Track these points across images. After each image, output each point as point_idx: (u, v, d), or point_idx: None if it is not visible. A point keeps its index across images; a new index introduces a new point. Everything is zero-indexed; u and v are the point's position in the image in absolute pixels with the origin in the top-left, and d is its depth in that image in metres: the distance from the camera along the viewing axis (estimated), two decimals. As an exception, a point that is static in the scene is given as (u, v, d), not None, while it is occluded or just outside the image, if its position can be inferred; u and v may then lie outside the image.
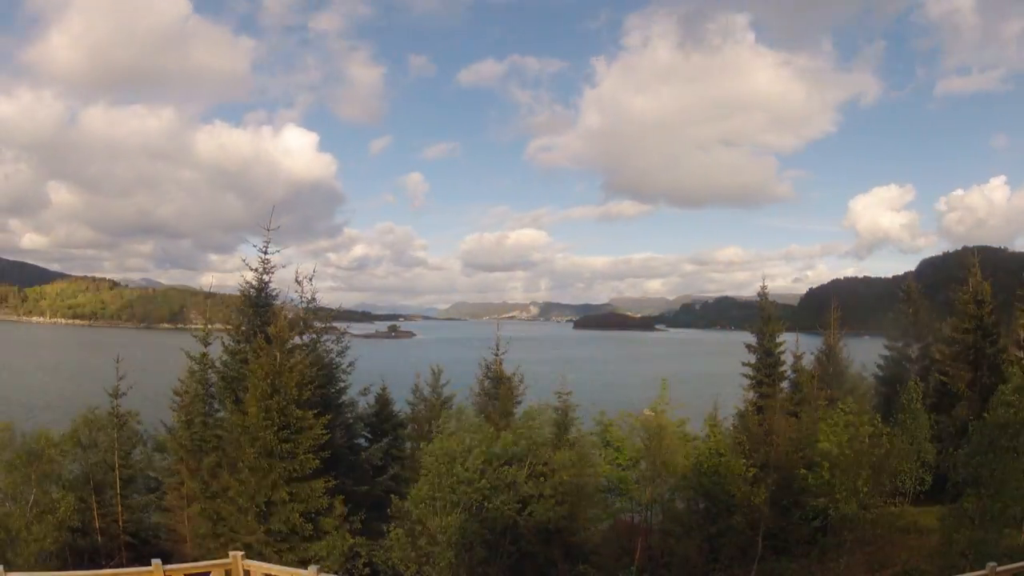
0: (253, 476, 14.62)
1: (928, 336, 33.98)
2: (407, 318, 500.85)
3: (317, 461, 14.71)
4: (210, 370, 19.73)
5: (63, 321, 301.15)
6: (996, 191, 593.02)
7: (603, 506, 23.31)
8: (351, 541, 15.08)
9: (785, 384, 28.28)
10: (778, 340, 28.39)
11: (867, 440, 18.71)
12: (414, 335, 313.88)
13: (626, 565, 19.94)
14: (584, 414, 26.63)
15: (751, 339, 29.08)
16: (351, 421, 19.66)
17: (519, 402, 24.44)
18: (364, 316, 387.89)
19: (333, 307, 21.05)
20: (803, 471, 19.91)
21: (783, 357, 28.39)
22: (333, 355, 18.78)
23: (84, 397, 23.41)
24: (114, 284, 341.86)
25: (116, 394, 20.69)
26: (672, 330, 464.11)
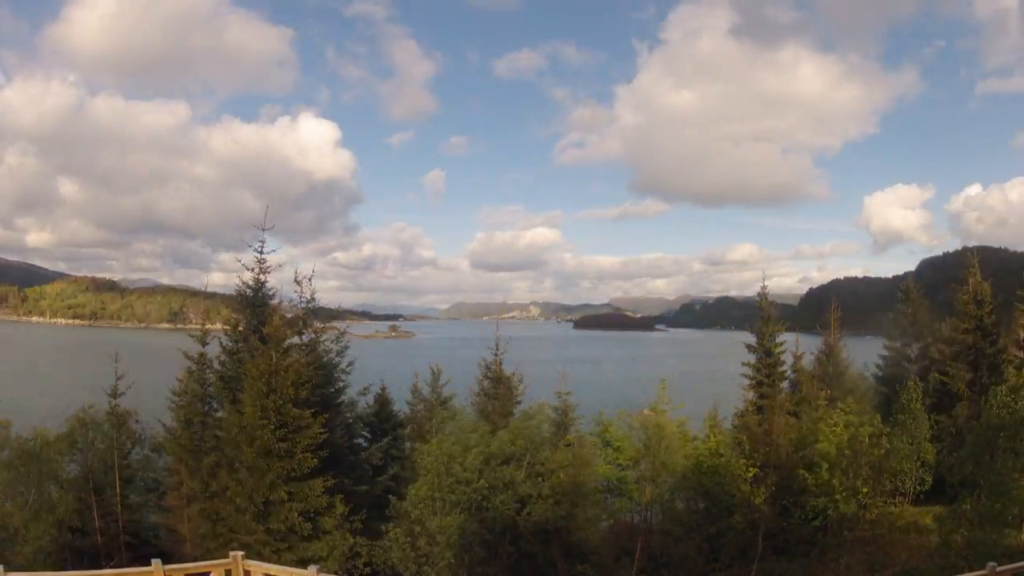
0: (251, 476, 14.61)
1: (928, 336, 33.95)
2: (407, 318, 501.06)
3: (315, 460, 14.69)
4: (208, 370, 19.73)
5: (63, 321, 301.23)
6: (1014, 190, 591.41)
7: (603, 506, 23.31)
8: (351, 541, 15.08)
9: (785, 384, 28.26)
10: (778, 340, 28.38)
11: (867, 440, 18.70)
12: (414, 335, 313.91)
13: (626, 565, 19.95)
14: (584, 414, 26.63)
15: (751, 339, 29.07)
16: (350, 421, 19.64)
17: (519, 402, 24.42)
18: (364, 316, 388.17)
19: (333, 307, 21.05)
20: (803, 471, 19.90)
21: (783, 357, 28.38)
22: (332, 355, 18.77)
23: (83, 397, 23.39)
24: (114, 284, 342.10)
25: (115, 394, 20.70)
26: (672, 330, 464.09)
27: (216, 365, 19.37)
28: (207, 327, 20.49)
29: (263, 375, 14.82)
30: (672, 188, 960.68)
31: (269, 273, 18.73)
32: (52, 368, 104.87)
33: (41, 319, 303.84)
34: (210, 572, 10.91)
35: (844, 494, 18.13)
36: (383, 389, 23.31)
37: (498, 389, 24.48)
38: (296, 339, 17.83)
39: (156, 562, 10.09)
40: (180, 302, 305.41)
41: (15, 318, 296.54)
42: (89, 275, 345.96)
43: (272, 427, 14.50)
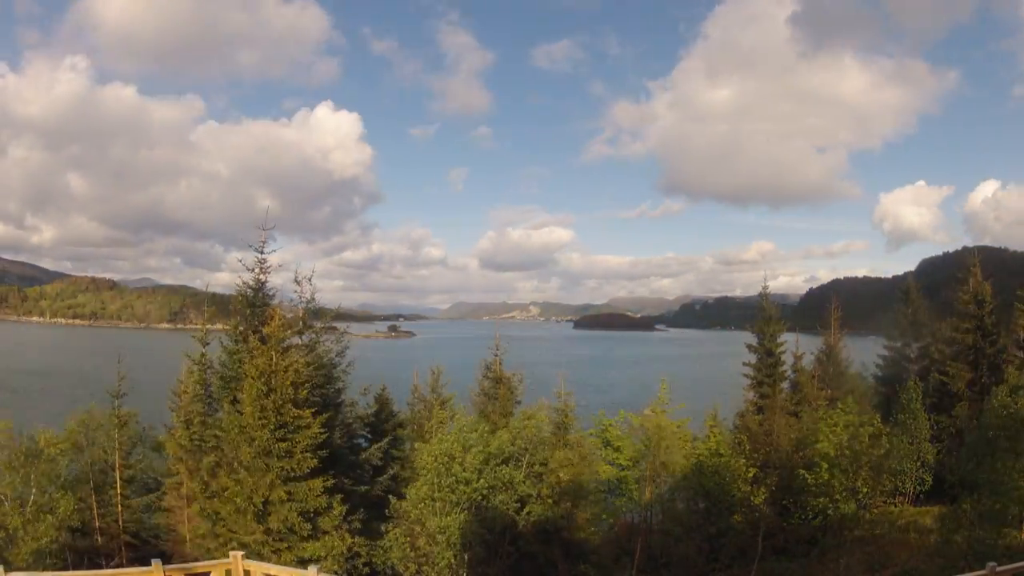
0: (251, 476, 14.58)
1: (928, 336, 33.97)
2: (408, 318, 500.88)
3: (315, 460, 14.66)
4: (208, 370, 19.72)
5: (63, 321, 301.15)
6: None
7: (603, 506, 23.32)
8: (350, 541, 15.06)
9: (785, 384, 28.27)
10: (779, 340, 28.39)
11: (867, 440, 18.70)
12: (414, 335, 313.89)
13: (626, 565, 19.95)
14: (584, 414, 26.63)
15: (751, 339, 29.08)
16: (350, 421, 19.62)
17: (519, 402, 24.43)
18: (364, 316, 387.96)
19: (333, 307, 20.98)
20: (803, 471, 19.91)
21: (783, 357, 28.39)
22: (333, 355, 18.75)
23: (82, 397, 23.40)
24: (113, 284, 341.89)
25: (117, 394, 20.70)
26: (672, 330, 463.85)
27: (216, 365, 19.36)
28: (207, 327, 20.48)
29: (262, 375, 14.80)
30: (698, 187, 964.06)
31: (269, 273, 18.72)
32: (52, 368, 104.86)
33: (41, 319, 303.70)
34: (210, 572, 10.90)
35: (844, 494, 18.13)
36: (383, 389, 23.30)
37: (498, 389, 24.49)
38: (296, 339, 17.81)
39: (156, 562, 10.08)
40: (180, 302, 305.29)
41: (15, 318, 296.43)
42: (89, 275, 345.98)
43: (271, 427, 14.48)
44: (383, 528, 16.04)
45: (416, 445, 18.58)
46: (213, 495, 15.97)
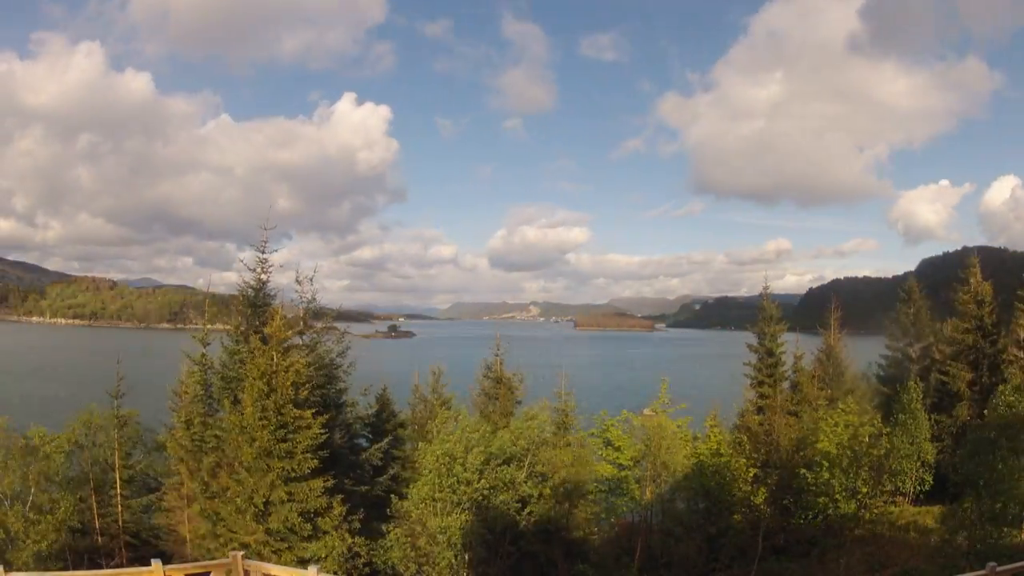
0: (251, 476, 14.58)
1: (928, 336, 33.97)
2: (408, 318, 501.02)
3: (315, 461, 14.66)
4: (209, 370, 19.72)
5: (63, 321, 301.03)
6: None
7: (603, 506, 23.32)
8: (350, 541, 15.06)
9: (785, 384, 28.27)
10: (779, 340, 28.39)
11: (867, 440, 18.71)
12: (413, 335, 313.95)
13: (626, 565, 19.94)
14: (585, 414, 26.62)
15: (751, 339, 29.07)
16: (351, 421, 19.63)
17: (519, 402, 24.43)
18: (365, 316, 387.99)
19: (334, 307, 20.98)
20: (803, 471, 19.91)
21: (784, 357, 28.38)
22: (333, 355, 18.76)
23: (82, 397, 23.40)
24: (114, 284, 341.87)
25: (117, 395, 20.70)
26: (672, 330, 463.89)
27: (217, 366, 19.36)
28: (208, 327, 20.48)
29: (264, 375, 14.80)
30: (725, 185, 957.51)
31: (271, 273, 18.73)
32: (52, 368, 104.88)
33: (41, 319, 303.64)
34: (210, 572, 10.91)
35: (844, 494, 18.14)
36: (384, 389, 23.31)
37: (499, 389, 24.49)
38: (297, 339, 17.82)
39: (156, 562, 10.08)
40: (180, 302, 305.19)
41: (15, 318, 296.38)
42: (91, 275, 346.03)
43: (272, 427, 14.48)
44: (384, 528, 16.05)
45: (420, 445, 18.57)
46: (213, 495, 15.97)
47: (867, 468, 18.49)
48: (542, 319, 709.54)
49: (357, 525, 15.48)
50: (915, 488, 27.01)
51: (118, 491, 20.31)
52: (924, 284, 37.64)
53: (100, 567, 17.41)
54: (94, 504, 19.83)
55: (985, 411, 18.76)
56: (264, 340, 15.64)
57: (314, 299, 18.38)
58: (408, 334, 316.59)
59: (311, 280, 18.26)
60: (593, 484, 22.61)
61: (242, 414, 15.05)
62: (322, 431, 14.94)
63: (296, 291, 18.18)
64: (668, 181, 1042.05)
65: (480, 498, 15.78)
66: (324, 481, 14.82)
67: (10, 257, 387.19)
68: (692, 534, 20.11)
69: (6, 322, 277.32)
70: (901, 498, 27.00)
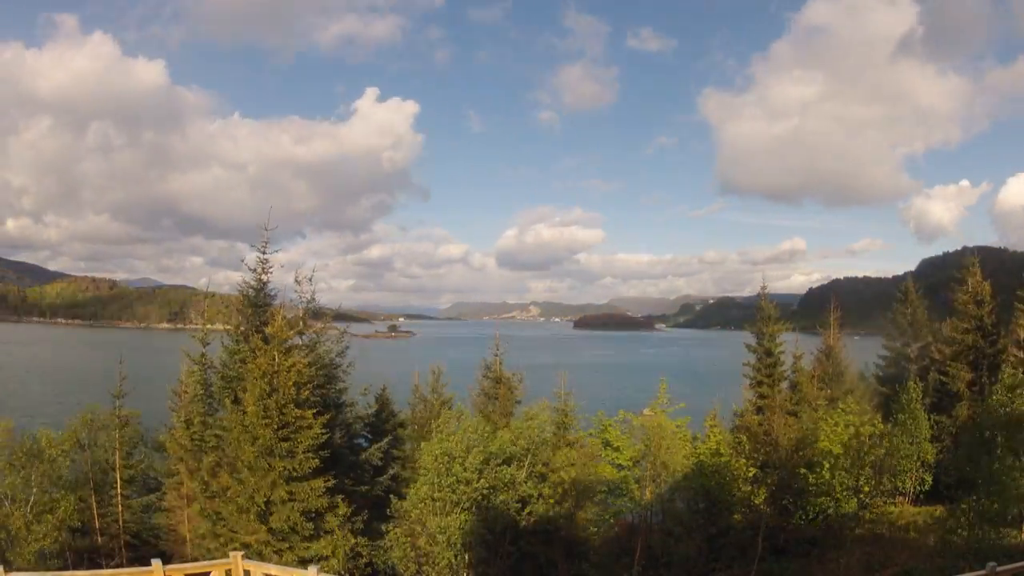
0: (252, 476, 14.60)
1: (927, 336, 34.00)
2: (408, 318, 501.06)
3: (316, 460, 14.69)
4: (209, 370, 19.74)
5: (63, 321, 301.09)
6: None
7: (603, 506, 23.33)
8: (352, 541, 15.08)
9: (785, 384, 28.27)
10: (778, 340, 28.39)
11: (867, 440, 18.73)
12: (413, 335, 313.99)
13: (626, 565, 19.95)
14: (585, 414, 26.63)
15: (750, 339, 29.08)
16: (351, 421, 19.64)
17: (519, 402, 24.43)
18: (365, 316, 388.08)
19: (333, 307, 20.96)
20: (803, 471, 19.92)
21: (783, 357, 28.39)
22: (333, 355, 18.77)
23: (82, 397, 23.44)
24: (114, 284, 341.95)
25: (119, 395, 20.72)
26: (672, 330, 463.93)
27: (217, 365, 19.38)
28: (207, 327, 20.49)
29: (265, 375, 14.82)
30: (749, 184, 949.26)
31: (271, 273, 18.73)
32: (52, 369, 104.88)
33: (41, 319, 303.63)
34: (210, 572, 10.92)
35: (844, 494, 18.15)
36: (383, 389, 23.33)
37: (498, 389, 24.50)
38: (297, 339, 17.83)
39: (156, 562, 10.10)
40: (180, 302, 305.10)
41: (15, 318, 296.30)
42: (90, 275, 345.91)
43: (274, 427, 14.51)
44: (384, 528, 16.06)
45: (421, 445, 18.57)
46: (214, 495, 15.99)
47: (867, 468, 18.51)
48: (542, 319, 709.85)
49: (360, 525, 15.50)
50: (915, 488, 27.03)
51: (118, 491, 20.33)
52: (923, 284, 37.68)
53: (100, 567, 17.42)
54: (94, 504, 19.85)
55: (978, 411, 18.79)
56: (266, 340, 15.65)
57: (313, 299, 18.39)
58: (408, 334, 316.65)
59: (310, 280, 18.28)
60: (594, 484, 22.61)
61: (244, 413, 15.07)
62: (323, 431, 14.96)
63: (296, 291, 18.20)
64: (692, 180, 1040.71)
65: (480, 498, 15.78)
66: (325, 481, 14.84)
67: (12, 257, 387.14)
68: (692, 534, 20.10)
69: (6, 322, 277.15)
70: (901, 498, 27.02)
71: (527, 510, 17.41)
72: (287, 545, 14.58)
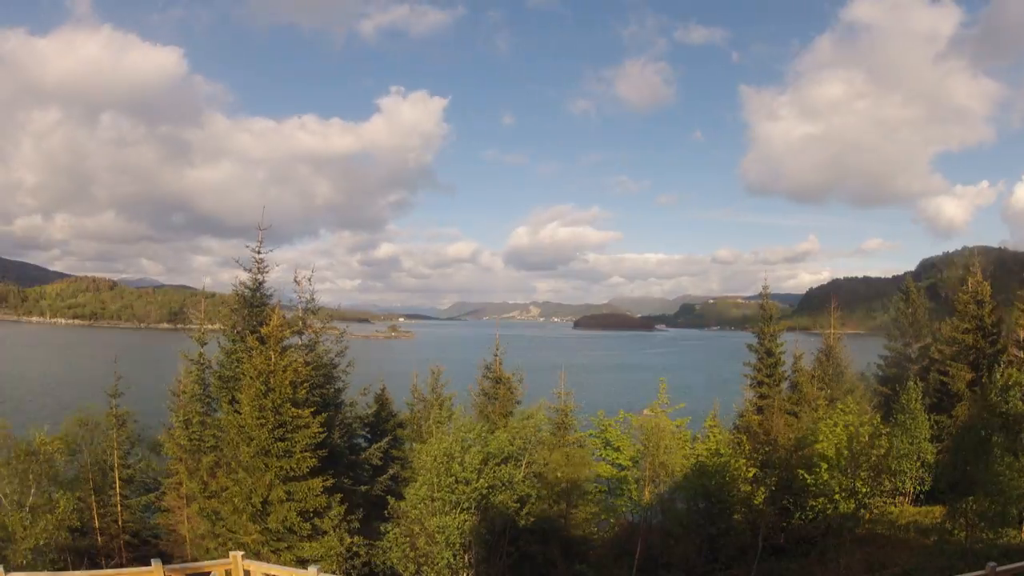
0: (249, 475, 14.57)
1: (927, 336, 33.98)
2: (408, 318, 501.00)
3: (314, 460, 14.65)
4: (207, 370, 19.71)
5: (63, 321, 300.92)
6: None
7: (603, 506, 23.30)
8: (349, 541, 15.05)
9: (785, 384, 28.26)
10: (779, 340, 28.38)
11: (867, 440, 18.68)
12: (414, 335, 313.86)
13: (626, 565, 19.92)
14: (585, 414, 26.63)
15: (749, 339, 29.07)
16: (350, 421, 19.62)
17: (519, 402, 24.42)
18: (365, 316, 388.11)
19: (332, 307, 20.94)
20: (802, 471, 19.88)
21: (783, 357, 28.37)
22: (332, 355, 18.76)
23: (82, 397, 23.41)
24: (113, 284, 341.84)
25: (115, 394, 20.70)
26: (672, 330, 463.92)
27: (215, 365, 19.36)
28: (206, 327, 20.47)
29: (261, 375, 14.79)
30: (775, 184, 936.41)
31: (267, 273, 18.71)
32: (51, 368, 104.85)
33: (41, 319, 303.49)
34: (210, 572, 10.90)
35: (843, 494, 18.10)
36: (383, 389, 23.32)
37: (498, 389, 24.49)
38: (296, 339, 17.81)
39: (156, 562, 10.07)
40: (180, 302, 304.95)
41: (15, 318, 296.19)
42: (90, 275, 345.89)
43: (270, 427, 14.46)
44: (383, 528, 16.03)
45: (415, 446, 18.56)
46: (212, 495, 15.98)
47: (866, 468, 18.46)
48: (542, 319, 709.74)
49: (356, 525, 15.47)
50: (915, 488, 27.00)
51: (117, 491, 20.32)
52: (924, 284, 37.64)
53: (100, 567, 17.41)
54: (94, 504, 19.85)
55: (971, 412, 18.78)
56: (261, 340, 15.62)
57: (312, 299, 18.38)
58: (408, 334, 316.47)
59: (310, 280, 18.27)
60: (592, 484, 22.59)
61: (240, 413, 15.04)
62: (320, 430, 14.92)
63: (295, 291, 18.19)
64: (716, 179, 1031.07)
65: (479, 497, 15.76)
66: (323, 480, 14.80)
67: (18, 257, 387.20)
68: (692, 534, 20.08)
69: (5, 322, 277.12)
70: (901, 498, 26.98)
71: (525, 510, 17.39)
72: (285, 545, 14.55)
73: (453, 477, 15.58)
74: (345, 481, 16.20)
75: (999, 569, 9.60)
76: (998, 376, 19.31)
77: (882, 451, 19.12)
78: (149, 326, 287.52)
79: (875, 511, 19.50)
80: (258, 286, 18.53)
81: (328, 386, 18.22)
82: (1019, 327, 29.92)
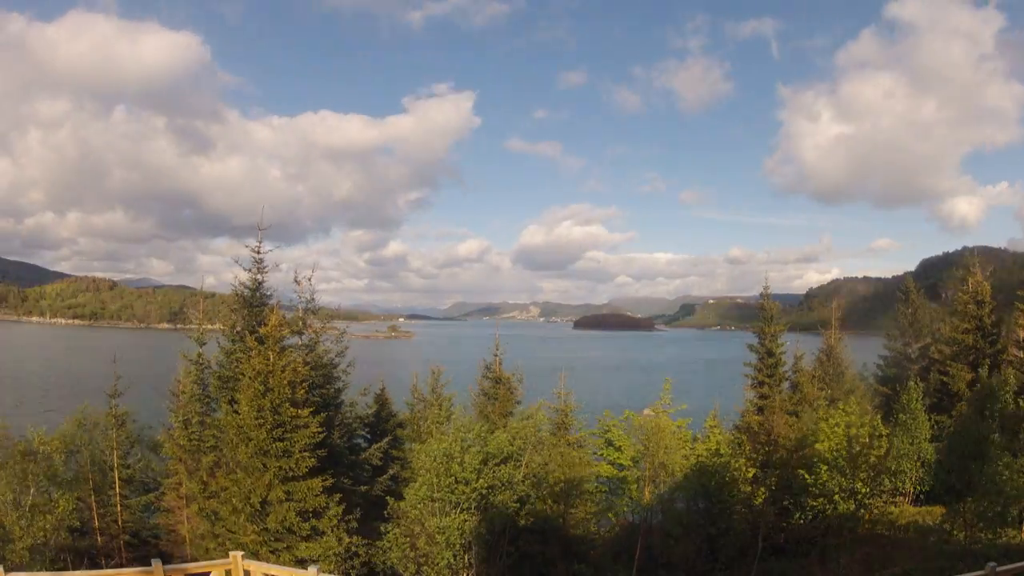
0: (248, 476, 14.56)
1: (928, 336, 33.99)
2: (408, 318, 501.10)
3: (313, 460, 14.64)
4: (206, 370, 19.71)
5: (63, 321, 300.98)
6: None
7: (603, 506, 23.29)
8: (348, 541, 15.04)
9: (786, 384, 28.25)
10: (779, 340, 28.36)
11: (867, 440, 18.68)
12: (414, 335, 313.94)
13: (626, 565, 19.91)
14: (583, 414, 26.62)
15: (749, 338, 29.06)
16: (350, 421, 19.62)
17: (519, 402, 24.42)
18: (365, 316, 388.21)
19: (332, 306, 20.93)
20: (803, 471, 19.88)
21: (784, 357, 28.36)
22: (332, 355, 18.75)
23: (79, 397, 23.40)
24: (113, 284, 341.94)
25: (114, 394, 20.69)
26: (673, 330, 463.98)
27: (214, 365, 19.35)
28: (205, 327, 20.46)
29: (260, 375, 14.78)
30: (797, 184, 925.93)
31: (267, 272, 18.70)
32: (51, 368, 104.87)
33: (41, 319, 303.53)
34: (210, 572, 10.89)
35: (843, 494, 18.10)
36: (382, 389, 23.32)
37: (498, 389, 24.49)
38: (295, 339, 17.81)
39: (156, 562, 10.06)
40: (180, 302, 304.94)
41: (15, 318, 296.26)
42: (90, 275, 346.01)
43: (268, 427, 14.45)
44: (382, 528, 16.03)
45: (415, 446, 18.54)
46: (212, 495, 15.97)
47: (866, 468, 18.46)
48: (542, 319, 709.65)
49: (355, 525, 15.46)
50: (915, 488, 26.99)
51: (117, 491, 20.30)
52: (924, 284, 37.70)
53: (100, 567, 17.40)
54: (93, 504, 19.83)
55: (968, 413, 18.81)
56: (260, 340, 15.62)
57: (312, 299, 18.38)
58: (408, 334, 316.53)
59: (310, 280, 18.28)
60: (592, 484, 22.57)
61: (238, 414, 15.04)
62: (320, 430, 14.92)
63: (295, 291, 18.19)
64: (740, 179, 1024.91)
65: (478, 498, 15.76)
66: (323, 480, 14.80)
67: (16, 257, 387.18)
68: (692, 534, 20.06)
69: (5, 322, 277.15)
70: (901, 498, 26.97)
71: (525, 509, 17.39)
72: (284, 545, 14.54)
73: (453, 477, 15.58)
74: (345, 481, 16.19)
75: (999, 569, 9.59)
76: (986, 377, 19.39)
77: (882, 451, 19.11)
78: (149, 326, 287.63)
79: (875, 511, 19.46)
80: (258, 286, 18.52)
81: (328, 386, 18.21)
82: (1019, 327, 29.93)
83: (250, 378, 14.82)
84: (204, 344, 19.86)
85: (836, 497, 18.04)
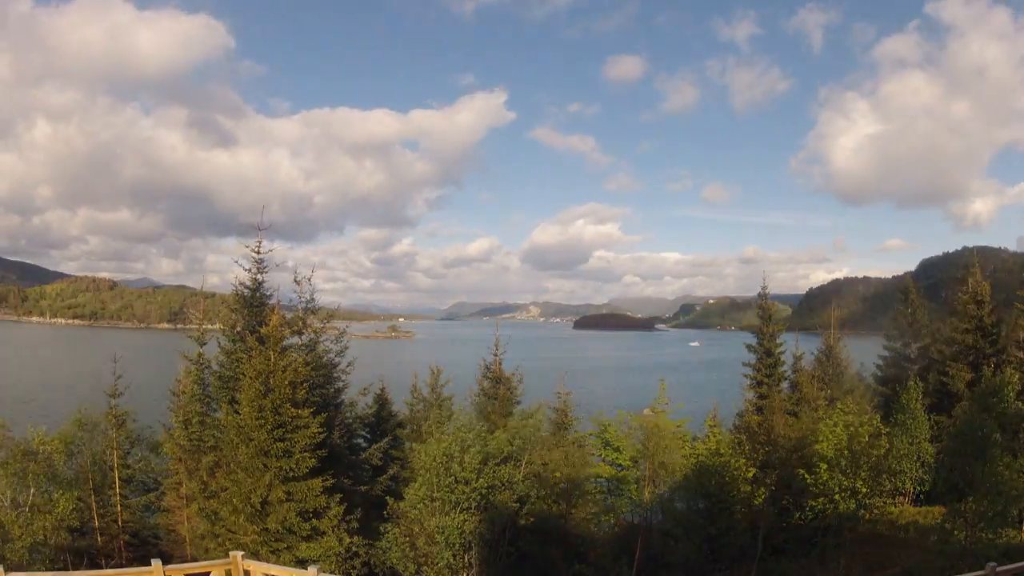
0: (248, 476, 14.56)
1: (928, 336, 33.96)
2: (408, 318, 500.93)
3: (314, 460, 14.64)
4: (206, 370, 19.71)
5: (63, 321, 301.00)
6: None
7: (603, 506, 23.29)
8: (348, 541, 15.04)
9: (785, 384, 28.27)
10: (778, 340, 28.38)
11: (867, 440, 18.68)
12: (413, 335, 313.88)
13: (626, 565, 19.92)
14: (583, 414, 26.63)
15: (748, 339, 29.08)
16: (350, 421, 19.61)
17: (519, 402, 24.42)
18: (365, 316, 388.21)
19: (332, 306, 20.92)
20: (802, 471, 19.88)
21: (783, 357, 28.38)
22: (332, 355, 18.75)
23: (80, 397, 23.39)
24: (113, 284, 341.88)
25: (114, 394, 20.69)
26: (672, 330, 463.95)
27: (214, 365, 19.35)
28: (205, 327, 20.46)
29: (260, 375, 14.78)
30: (821, 184, 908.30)
31: (267, 272, 18.70)
32: (50, 368, 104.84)
33: (41, 319, 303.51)
34: (210, 572, 10.89)
35: (843, 494, 18.10)
36: (382, 389, 23.32)
37: (498, 389, 24.49)
38: (296, 339, 17.81)
39: (156, 562, 10.06)
40: (180, 302, 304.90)
41: (15, 318, 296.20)
42: (91, 275, 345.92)
43: (269, 427, 14.45)
44: (382, 528, 16.03)
45: (413, 446, 18.53)
46: (212, 495, 15.96)
47: (866, 468, 18.46)
48: (542, 319, 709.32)
49: (355, 525, 15.46)
50: (915, 488, 26.99)
51: (117, 491, 20.30)
52: (923, 284, 37.70)
53: (100, 567, 17.40)
54: (93, 504, 19.83)
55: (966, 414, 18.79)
56: (261, 340, 15.61)
57: (312, 299, 18.38)
58: (409, 334, 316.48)
59: (310, 280, 18.28)
60: (592, 484, 22.58)
61: (239, 414, 15.03)
62: (320, 430, 14.91)
63: (295, 291, 18.18)
64: (762, 177, 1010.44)
65: (478, 498, 15.76)
66: (323, 480, 14.79)
67: (13, 257, 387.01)
68: (692, 534, 20.07)
69: (5, 322, 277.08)
70: (901, 498, 26.97)
71: (525, 509, 17.39)
72: (284, 545, 14.54)
73: (453, 477, 15.58)
74: (345, 481, 16.19)
75: (999, 569, 9.59)
76: (987, 377, 19.38)
77: (882, 451, 19.10)
78: (149, 326, 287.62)
79: (875, 511, 19.46)
80: (258, 286, 18.52)
81: (328, 386, 18.21)
82: (1019, 327, 29.91)
83: (251, 378, 14.81)
84: (204, 344, 19.86)
85: (836, 497, 18.03)
